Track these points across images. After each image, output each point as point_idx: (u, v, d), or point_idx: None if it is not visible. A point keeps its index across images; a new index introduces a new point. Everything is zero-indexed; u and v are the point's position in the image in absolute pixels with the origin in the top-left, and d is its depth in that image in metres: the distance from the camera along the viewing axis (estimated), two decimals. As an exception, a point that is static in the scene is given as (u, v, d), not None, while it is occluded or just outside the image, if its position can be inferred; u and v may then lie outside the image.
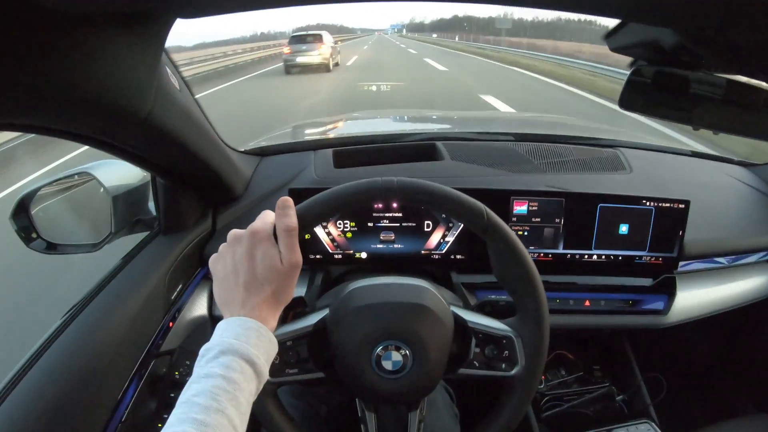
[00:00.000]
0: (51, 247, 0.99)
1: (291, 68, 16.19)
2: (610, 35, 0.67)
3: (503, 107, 8.57)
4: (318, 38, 16.42)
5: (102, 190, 0.98)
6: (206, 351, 0.58)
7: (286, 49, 16.64)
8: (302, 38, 16.60)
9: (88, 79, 0.55)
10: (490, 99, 9.35)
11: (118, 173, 1.01)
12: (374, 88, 11.49)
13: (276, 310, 0.67)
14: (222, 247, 0.68)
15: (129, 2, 0.51)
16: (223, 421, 0.52)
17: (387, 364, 0.74)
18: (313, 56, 16.06)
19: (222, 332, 0.60)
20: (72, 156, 5.74)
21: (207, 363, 0.57)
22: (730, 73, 0.68)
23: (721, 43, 0.53)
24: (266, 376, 0.61)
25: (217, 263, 0.68)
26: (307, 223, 0.71)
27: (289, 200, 0.68)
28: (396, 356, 0.74)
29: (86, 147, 0.74)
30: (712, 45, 0.55)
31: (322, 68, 16.11)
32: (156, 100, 0.70)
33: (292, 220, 0.67)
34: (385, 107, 8.97)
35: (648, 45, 0.65)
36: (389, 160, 1.37)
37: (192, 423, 0.50)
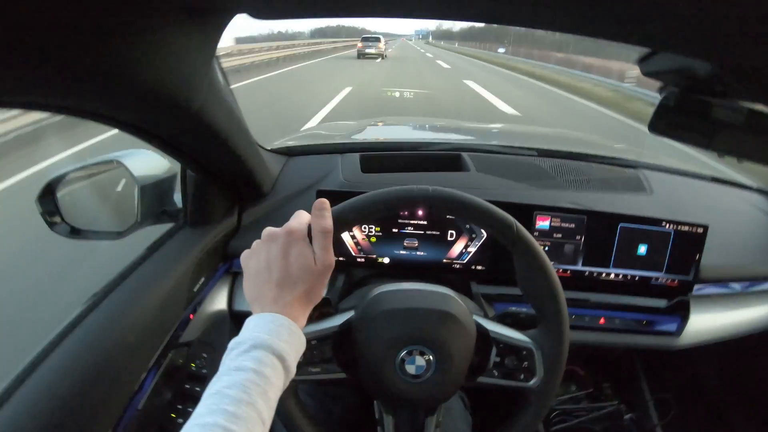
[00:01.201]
0: (75, 232, 0.99)
1: (361, 55, 26.47)
2: (643, 60, 0.67)
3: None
4: (377, 39, 27.32)
5: (130, 179, 0.98)
6: (237, 344, 0.59)
7: (359, 44, 27.49)
8: (368, 39, 27.69)
9: (147, 69, 0.55)
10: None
11: (147, 163, 1.01)
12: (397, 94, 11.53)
13: (306, 309, 0.67)
14: (255, 243, 0.69)
15: None
16: (252, 414, 0.52)
17: (410, 369, 0.75)
18: (374, 50, 26.62)
19: (254, 327, 0.61)
20: (99, 139, 5.76)
21: (238, 356, 0.57)
22: (760, 103, 0.68)
23: (755, 78, 0.53)
24: (293, 373, 0.62)
25: (249, 259, 0.68)
26: (342, 225, 0.72)
27: (326, 202, 0.69)
28: (420, 361, 0.75)
29: (114, 131, 0.74)
30: (748, 78, 0.55)
31: (379, 57, 26.41)
32: (207, 96, 0.71)
33: (328, 221, 0.68)
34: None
35: (682, 72, 0.65)
36: (416, 168, 1.38)
37: (223, 414, 0.50)
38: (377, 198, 0.74)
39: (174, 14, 0.53)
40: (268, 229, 0.69)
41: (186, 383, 1.02)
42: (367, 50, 26.44)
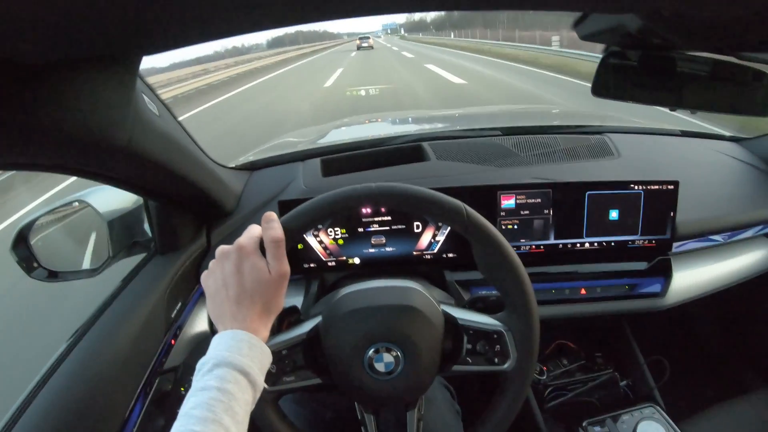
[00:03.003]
0: (52, 275, 1.01)
1: (360, 48, 41.80)
2: (578, 24, 0.68)
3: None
4: (368, 38, 45.04)
5: (97, 216, 1.00)
6: (202, 365, 0.61)
7: (358, 41, 45.63)
8: (364, 38, 44.80)
9: (66, 119, 0.57)
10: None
11: (112, 198, 1.03)
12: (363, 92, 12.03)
13: (267, 320, 0.69)
14: (211, 263, 0.71)
15: (96, 48, 0.53)
16: (220, 431, 0.54)
17: (379, 366, 0.76)
18: (366, 44, 43.03)
19: (216, 346, 0.63)
20: (68, 184, 5.76)
21: (203, 376, 0.59)
22: (699, 50, 0.69)
23: (682, 24, 0.54)
24: (262, 385, 0.63)
25: (208, 279, 0.70)
26: (292, 233, 0.74)
27: (273, 214, 0.72)
28: (388, 358, 0.76)
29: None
30: (673, 26, 0.56)
31: (371, 49, 40.48)
32: (134, 129, 0.72)
33: (278, 231, 0.70)
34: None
35: (615, 31, 0.66)
36: (377, 164, 1.38)
37: None
38: (321, 202, 0.76)
39: (81, 64, 0.55)
40: (221, 248, 0.71)
41: (177, 407, 1.03)
42: (363, 44, 43.18)
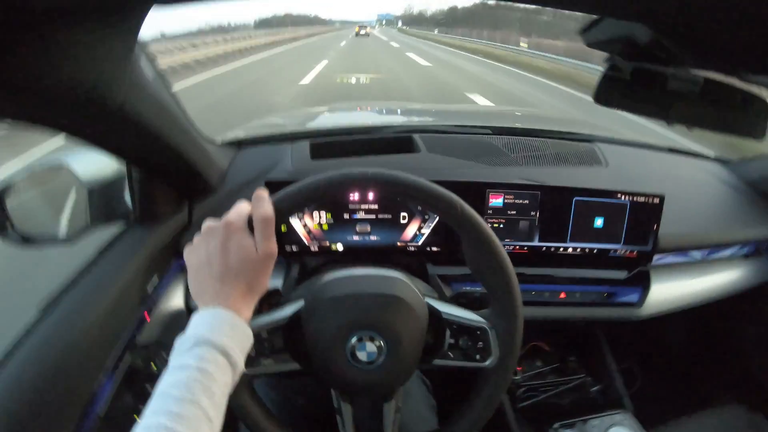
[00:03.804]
0: (26, 241, 0.97)
1: (358, 34, 49.58)
2: (584, 30, 0.67)
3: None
4: (366, 27, 61.63)
5: (77, 182, 0.97)
6: (181, 342, 0.59)
7: (357, 29, 57.13)
8: (362, 26, 59.43)
9: (59, 72, 0.54)
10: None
11: (94, 164, 1.00)
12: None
13: (250, 301, 0.67)
14: (196, 238, 0.69)
15: None
16: (197, 413, 0.52)
17: (361, 355, 0.75)
18: (363, 32, 52.87)
19: (196, 324, 0.61)
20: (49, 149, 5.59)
21: (181, 355, 0.57)
22: (704, 69, 0.69)
23: (693, 41, 0.54)
24: (241, 368, 0.62)
25: (191, 255, 0.68)
26: (282, 213, 0.72)
27: (265, 191, 0.70)
28: (370, 347, 0.75)
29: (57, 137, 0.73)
30: (684, 42, 0.56)
31: (367, 36, 49.13)
32: (129, 91, 0.69)
33: (268, 209, 0.68)
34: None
35: (623, 40, 0.66)
36: (366, 152, 1.37)
37: (167, 415, 0.51)
38: (316, 183, 0.74)
39: (82, 14, 0.52)
40: (207, 223, 0.69)
41: (148, 384, 1.01)
42: (361, 32, 51.60)
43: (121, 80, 0.66)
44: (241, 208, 0.69)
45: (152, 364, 1.02)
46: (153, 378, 1.01)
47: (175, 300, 1.11)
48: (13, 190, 0.96)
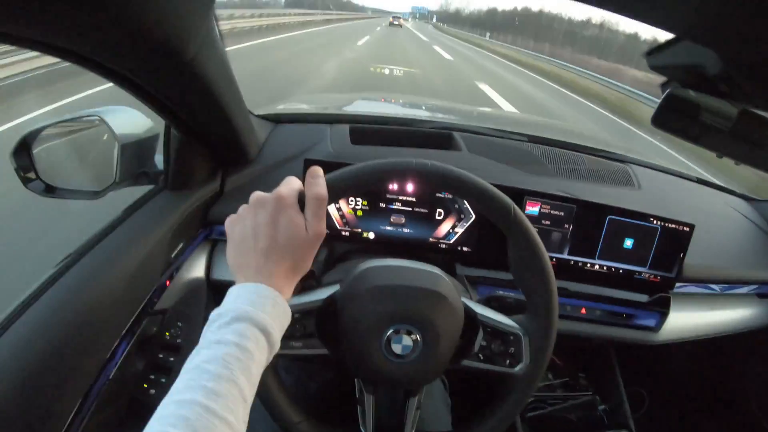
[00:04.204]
0: (49, 190, 0.94)
1: (390, 24, 52.81)
2: (652, 52, 0.66)
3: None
4: (399, 18, 64.34)
5: (111, 136, 0.93)
6: (218, 316, 0.55)
7: (391, 19, 62.09)
8: (396, 17, 64.93)
9: (142, 12, 0.51)
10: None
11: (129, 121, 0.97)
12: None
13: (293, 280, 0.64)
14: (242, 208, 0.65)
15: None
16: (233, 391, 0.49)
17: (397, 348, 0.73)
18: (398, 23, 56.27)
19: (236, 298, 0.57)
20: (79, 97, 5.51)
21: (219, 329, 0.54)
22: (761, 109, 0.67)
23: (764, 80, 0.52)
24: (278, 347, 0.58)
25: (235, 225, 0.65)
26: (335, 193, 0.70)
27: (319, 169, 0.66)
28: (407, 340, 0.73)
29: (94, 89, 0.70)
30: (760, 78, 0.54)
31: (400, 27, 50.63)
32: (203, 46, 0.67)
33: (323, 189, 0.65)
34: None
35: (690, 68, 0.64)
36: (406, 143, 1.36)
37: (201, 390, 0.47)
38: (374, 168, 0.72)
39: None
40: (257, 194, 0.65)
41: (159, 353, 0.99)
42: (394, 22, 54.80)
43: (197, 33, 0.64)
44: (294, 184, 0.66)
45: (166, 332, 1.00)
46: (165, 346, 0.99)
47: (197, 270, 1.08)
48: (41, 137, 0.93)
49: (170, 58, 0.63)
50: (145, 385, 0.96)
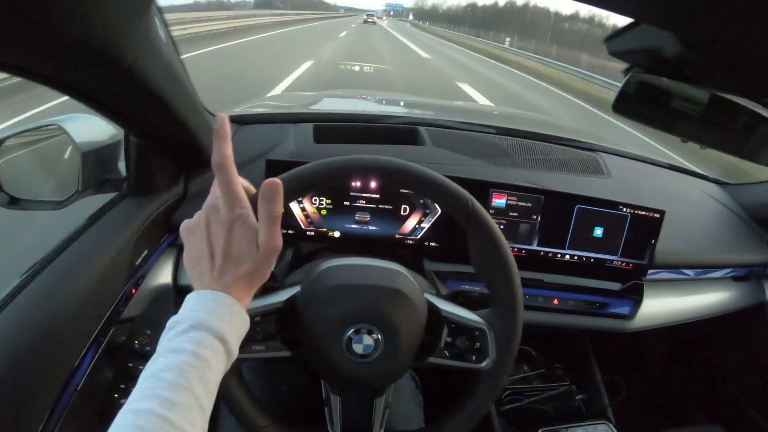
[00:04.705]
0: (13, 202, 0.93)
1: (365, 21, 61.01)
2: (611, 38, 0.66)
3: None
4: (373, 16, 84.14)
5: (72, 145, 0.93)
6: (175, 324, 0.55)
7: (365, 16, 76.40)
8: (370, 15, 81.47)
9: (73, 19, 0.50)
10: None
11: (90, 129, 0.96)
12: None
13: (251, 289, 0.64)
14: (197, 215, 0.64)
15: None
16: (190, 400, 0.49)
17: (358, 348, 0.73)
18: (371, 20, 65.87)
19: (193, 305, 0.57)
20: (40, 110, 5.48)
21: (176, 336, 0.54)
22: (728, 92, 0.68)
23: (731, 60, 0.53)
24: (236, 355, 0.58)
25: (190, 234, 0.64)
26: (288, 194, 0.69)
27: (279, 185, 0.63)
28: (367, 340, 0.73)
29: (59, 100, 0.70)
30: (719, 61, 0.54)
31: (373, 24, 59.26)
32: (141, 50, 0.66)
33: (278, 207, 0.63)
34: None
35: (649, 53, 0.64)
36: (370, 140, 1.36)
37: (158, 400, 0.48)
38: (327, 166, 0.72)
39: None
40: (210, 202, 0.64)
41: (129, 361, 0.98)
42: (368, 20, 61.53)
43: (135, 35, 0.63)
44: (246, 190, 0.65)
45: (135, 341, 0.99)
46: (134, 354, 0.98)
47: (163, 276, 1.07)
48: (3, 149, 0.92)
49: (109, 63, 0.62)
50: (116, 395, 0.95)
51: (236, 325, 0.59)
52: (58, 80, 0.66)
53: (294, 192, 0.72)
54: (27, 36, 0.49)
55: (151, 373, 0.51)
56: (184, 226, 0.65)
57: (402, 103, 2.30)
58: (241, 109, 1.55)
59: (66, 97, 0.70)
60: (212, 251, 0.61)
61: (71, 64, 0.61)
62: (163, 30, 0.74)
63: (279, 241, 0.63)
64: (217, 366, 0.55)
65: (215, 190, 0.65)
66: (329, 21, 53.53)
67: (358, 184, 1.10)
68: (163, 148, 1.01)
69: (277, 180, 0.64)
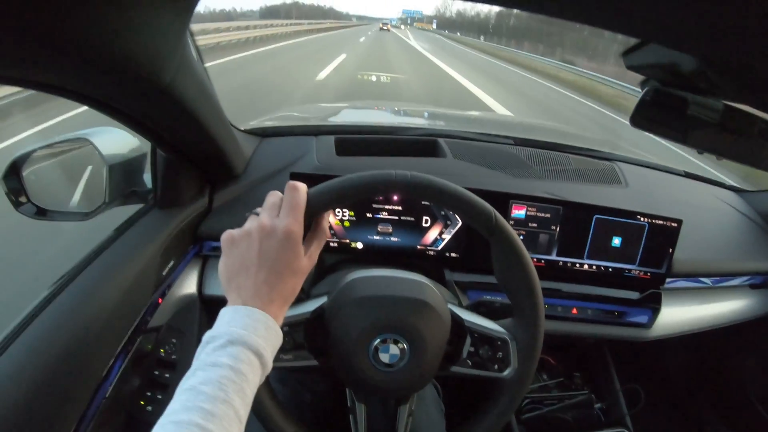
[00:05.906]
0: (41, 213, 0.95)
1: (381, 29, 63.14)
2: (628, 53, 0.66)
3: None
4: (388, 24, 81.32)
5: (99, 157, 0.95)
6: (212, 338, 0.57)
7: (380, 24, 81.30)
8: (385, 23, 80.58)
9: (115, 43, 0.52)
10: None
11: (117, 142, 0.98)
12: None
13: (285, 305, 0.66)
14: (246, 229, 0.65)
15: None
16: (229, 413, 0.51)
17: (384, 357, 0.74)
18: (386, 27, 68.98)
19: (229, 321, 0.59)
20: (65, 117, 5.56)
21: (214, 351, 0.55)
22: (742, 103, 0.68)
23: (745, 75, 0.53)
24: (270, 368, 0.60)
25: (235, 245, 0.65)
26: (318, 208, 0.70)
27: (326, 224, 0.74)
28: (393, 349, 0.74)
29: (82, 108, 0.71)
30: (732, 74, 0.55)
31: (389, 31, 62.27)
32: (179, 69, 0.68)
33: (325, 237, 0.73)
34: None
35: (666, 67, 0.65)
36: (391, 152, 1.37)
37: (199, 412, 0.49)
38: (355, 182, 0.72)
39: None
40: (264, 221, 0.65)
41: (155, 369, 1.00)
42: (383, 27, 64.00)
43: (172, 59, 0.64)
44: (300, 216, 0.67)
45: (161, 349, 1.01)
46: (160, 363, 1.00)
47: (188, 286, 1.09)
48: (31, 160, 0.94)
49: (146, 85, 0.64)
50: (141, 402, 0.97)
51: (271, 340, 0.60)
52: (95, 99, 0.67)
53: (324, 206, 0.72)
54: (72, 60, 0.51)
55: (189, 386, 0.52)
56: (228, 236, 0.66)
57: (420, 113, 2.31)
58: (263, 122, 1.56)
59: (85, 107, 0.72)
60: (259, 267, 0.63)
61: (111, 83, 0.63)
62: (194, 49, 0.76)
63: (315, 261, 0.70)
64: (254, 379, 0.56)
65: (270, 206, 0.67)
66: (339, 32, 44.13)
67: (381, 197, 1.12)
68: (189, 161, 1.03)
69: (326, 220, 0.73)
